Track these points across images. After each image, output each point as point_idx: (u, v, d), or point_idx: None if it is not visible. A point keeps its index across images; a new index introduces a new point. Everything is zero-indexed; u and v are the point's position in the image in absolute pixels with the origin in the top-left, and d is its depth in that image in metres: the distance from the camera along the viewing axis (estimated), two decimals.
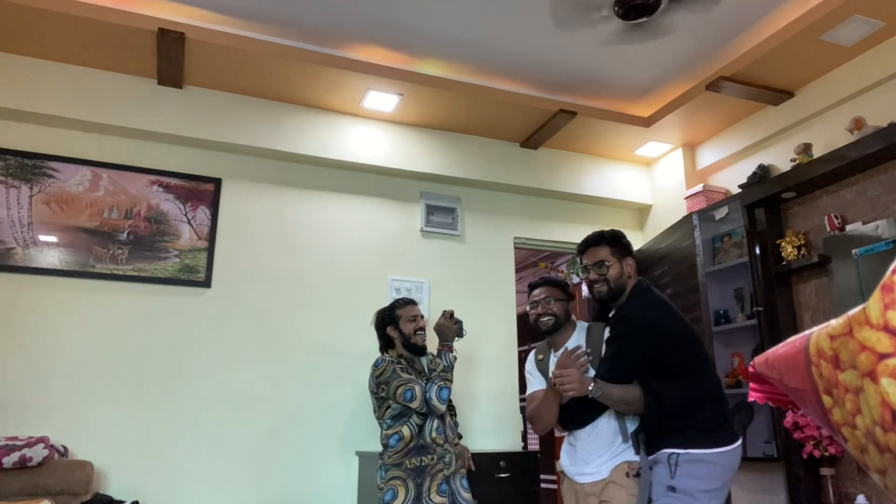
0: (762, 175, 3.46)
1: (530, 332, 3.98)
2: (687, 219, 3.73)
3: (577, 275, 4.67)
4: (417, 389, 2.55)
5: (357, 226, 3.63)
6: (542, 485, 3.73)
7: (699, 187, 3.81)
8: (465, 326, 2.76)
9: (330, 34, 3.08)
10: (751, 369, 0.98)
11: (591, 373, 2.53)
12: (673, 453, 1.95)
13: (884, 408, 0.59)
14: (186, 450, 3.00)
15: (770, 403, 0.99)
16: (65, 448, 2.73)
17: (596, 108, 3.75)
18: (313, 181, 3.60)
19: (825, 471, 2.93)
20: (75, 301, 2.99)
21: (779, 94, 3.40)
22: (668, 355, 2.03)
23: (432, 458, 2.55)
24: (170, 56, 3.03)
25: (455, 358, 2.72)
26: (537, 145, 4.01)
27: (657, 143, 4.07)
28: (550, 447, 5.38)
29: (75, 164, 3.12)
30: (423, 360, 2.82)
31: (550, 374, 2.26)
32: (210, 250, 3.27)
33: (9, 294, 2.88)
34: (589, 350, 2.34)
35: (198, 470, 2.99)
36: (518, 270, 4.54)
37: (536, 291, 2.63)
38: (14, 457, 2.45)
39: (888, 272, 0.64)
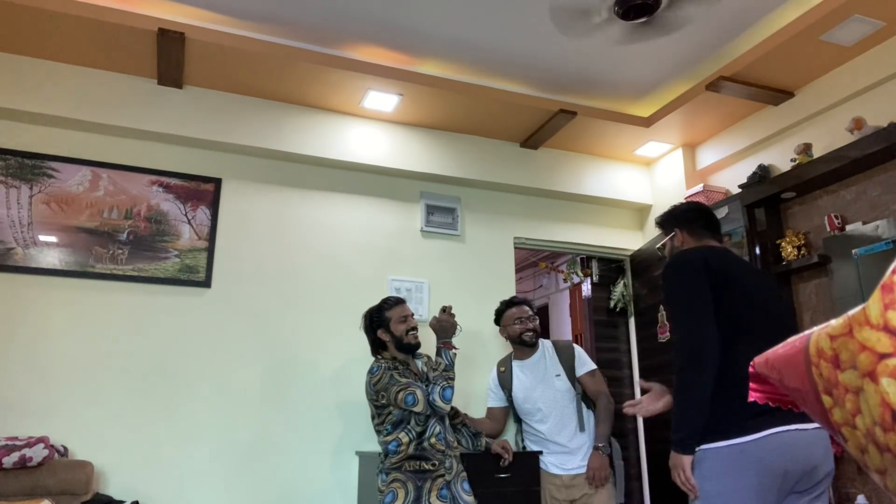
0: (762, 175, 3.46)
1: None
2: None
3: (578, 274, 4.67)
4: (419, 393, 2.50)
5: (357, 226, 3.63)
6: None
7: (699, 187, 3.81)
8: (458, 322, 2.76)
9: (330, 34, 3.08)
10: (751, 369, 0.98)
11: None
12: None
13: (884, 408, 0.59)
14: (186, 450, 3.00)
15: (770, 403, 0.98)
16: (65, 448, 2.73)
17: (596, 108, 3.75)
18: (313, 181, 3.60)
19: None
20: (75, 301, 2.98)
21: (779, 94, 3.40)
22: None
23: (433, 465, 2.51)
24: (170, 56, 3.03)
25: (455, 354, 2.67)
26: (537, 145, 4.01)
27: (657, 143, 4.07)
28: None
29: (75, 164, 3.12)
30: (419, 363, 2.78)
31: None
32: (210, 250, 3.27)
33: (9, 294, 2.88)
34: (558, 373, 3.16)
35: (198, 470, 2.99)
36: (518, 270, 4.55)
37: (526, 308, 3.33)
38: (14, 457, 2.45)
39: (888, 272, 0.64)
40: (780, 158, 3.49)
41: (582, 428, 3.08)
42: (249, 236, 3.38)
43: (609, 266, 4.46)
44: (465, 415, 3.17)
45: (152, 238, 3.18)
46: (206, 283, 3.23)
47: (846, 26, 2.85)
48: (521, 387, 3.19)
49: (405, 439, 2.51)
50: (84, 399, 2.89)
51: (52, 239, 3.00)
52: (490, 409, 3.33)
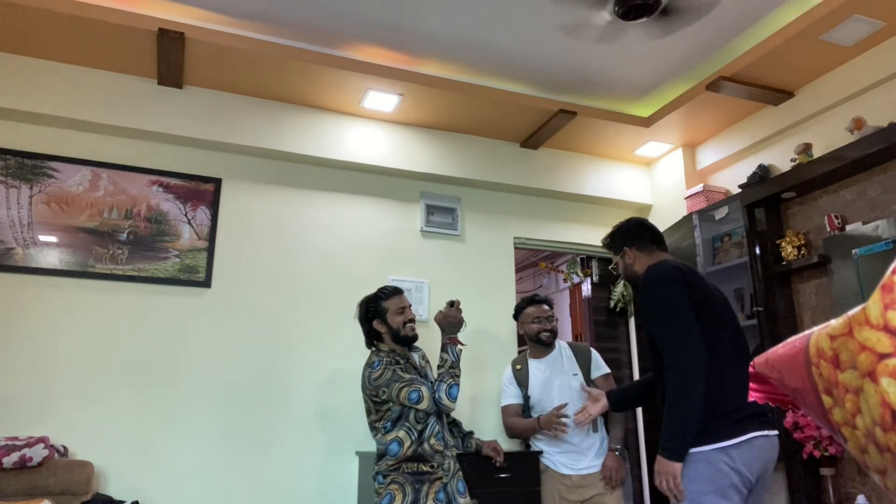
0: (762, 175, 3.46)
1: None
2: (687, 219, 3.73)
3: (578, 274, 4.67)
4: (424, 390, 2.43)
5: (357, 226, 3.63)
6: None
7: (699, 187, 3.81)
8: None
9: (330, 34, 3.09)
10: (751, 369, 0.98)
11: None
12: None
13: (884, 408, 0.59)
14: (186, 450, 3.00)
15: (770, 403, 0.99)
16: (65, 448, 2.73)
17: (596, 108, 3.75)
18: (313, 181, 3.60)
19: (825, 471, 2.93)
20: (75, 301, 2.99)
21: (779, 94, 3.40)
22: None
23: (431, 466, 2.47)
24: (170, 56, 3.03)
25: (461, 350, 2.60)
26: (537, 145, 4.01)
27: (657, 143, 4.07)
28: None
29: (75, 164, 3.12)
30: (416, 356, 2.70)
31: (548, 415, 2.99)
32: (210, 250, 3.27)
33: (9, 294, 2.88)
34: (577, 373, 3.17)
35: (198, 470, 2.99)
36: (518, 270, 4.54)
37: (545, 308, 3.31)
38: (14, 457, 2.45)
39: (888, 272, 0.64)
40: (780, 158, 3.49)
41: (595, 428, 3.09)
42: (249, 236, 3.38)
43: (609, 266, 4.44)
44: (478, 438, 3.07)
45: (152, 238, 3.18)
46: (206, 283, 3.23)
47: (846, 26, 2.85)
48: (537, 381, 3.18)
49: (406, 439, 2.44)
50: (84, 399, 2.89)
51: (52, 239, 3.00)
52: (506, 407, 3.29)
